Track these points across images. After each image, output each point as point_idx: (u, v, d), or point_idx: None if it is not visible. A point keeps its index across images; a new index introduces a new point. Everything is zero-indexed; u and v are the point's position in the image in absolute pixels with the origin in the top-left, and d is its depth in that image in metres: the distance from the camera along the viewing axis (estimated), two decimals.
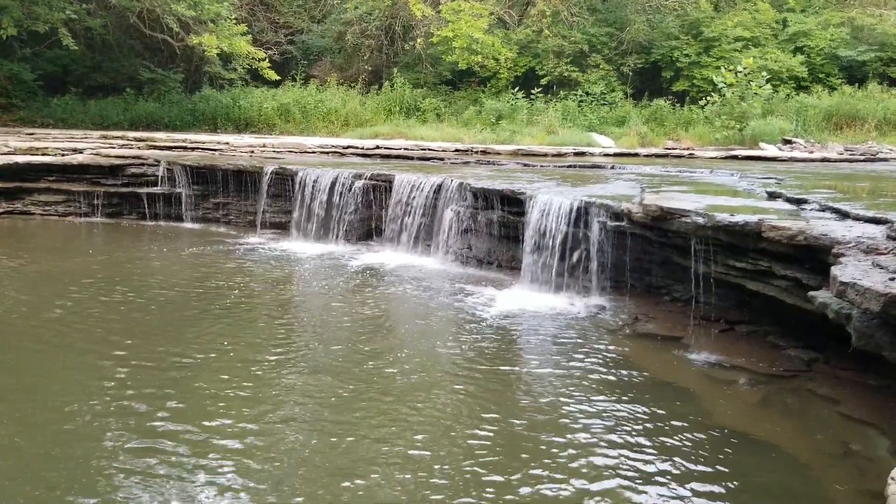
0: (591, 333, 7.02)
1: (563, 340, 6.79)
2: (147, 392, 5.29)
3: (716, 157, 15.69)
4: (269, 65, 22.37)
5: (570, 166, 13.28)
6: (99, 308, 7.48)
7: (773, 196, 8.01)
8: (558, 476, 4.23)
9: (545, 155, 15.54)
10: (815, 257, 5.56)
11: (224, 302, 7.86)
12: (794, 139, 17.74)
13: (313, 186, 11.42)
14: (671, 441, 4.71)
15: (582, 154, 15.81)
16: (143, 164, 13.14)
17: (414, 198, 10.45)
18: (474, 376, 5.82)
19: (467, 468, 4.29)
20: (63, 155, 13.23)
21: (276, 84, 22.86)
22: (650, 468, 4.35)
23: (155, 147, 15.02)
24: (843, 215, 6.33)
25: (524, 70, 23.83)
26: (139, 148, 14.70)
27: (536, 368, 6.07)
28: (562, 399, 5.38)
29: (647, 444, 4.67)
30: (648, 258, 8.05)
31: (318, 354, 6.28)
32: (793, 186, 8.83)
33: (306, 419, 4.97)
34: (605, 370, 6.00)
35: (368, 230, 11.46)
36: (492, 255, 9.80)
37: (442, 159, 14.45)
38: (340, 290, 8.61)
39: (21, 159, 12.86)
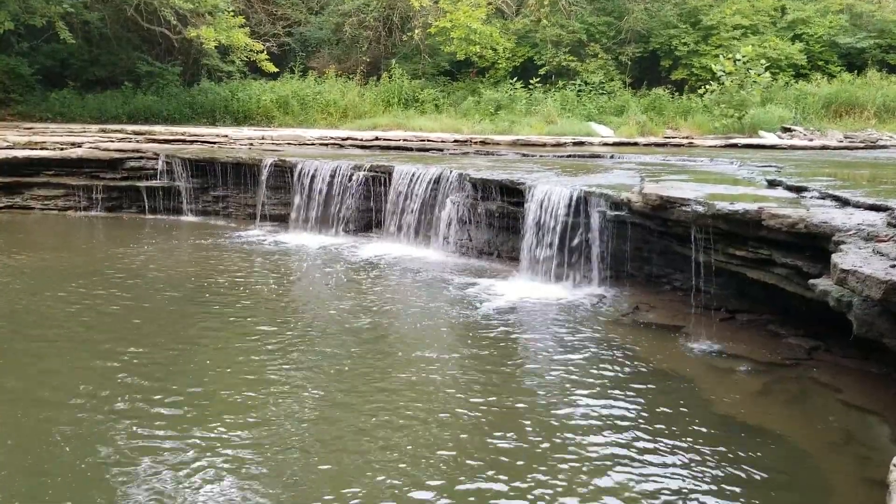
0: (591, 323, 7.02)
1: (563, 330, 6.79)
2: (145, 386, 5.28)
3: (715, 146, 15.68)
4: (267, 57, 22.31)
5: (569, 156, 13.27)
6: (99, 302, 7.48)
7: (772, 184, 7.99)
8: (559, 465, 4.24)
9: (544, 145, 15.53)
10: (815, 245, 5.55)
11: (223, 296, 7.86)
12: (793, 127, 17.72)
13: (312, 178, 11.40)
14: (672, 430, 4.72)
15: (581, 144, 15.79)
16: (141, 158, 13.13)
17: (413, 189, 10.43)
18: (474, 368, 5.83)
19: (467, 460, 4.30)
20: (62, 149, 13.22)
21: (274, 76, 22.80)
22: (651, 456, 4.35)
23: (154, 140, 14.99)
24: (844, 203, 6.32)
25: (522, 60, 23.77)
26: (138, 141, 14.67)
27: (537, 358, 6.08)
28: (562, 389, 5.39)
29: (648, 432, 4.68)
30: (648, 247, 8.05)
31: (318, 347, 6.28)
32: (793, 174, 8.82)
33: (306, 414, 4.97)
34: (605, 360, 6.01)
35: (368, 222, 11.45)
36: (492, 246, 9.80)
37: (441, 150, 14.43)
38: (340, 283, 8.61)
39: (20, 154, 12.85)
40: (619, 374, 5.69)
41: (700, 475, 4.16)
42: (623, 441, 4.55)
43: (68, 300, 7.52)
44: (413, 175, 10.51)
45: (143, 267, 9.10)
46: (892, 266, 4.26)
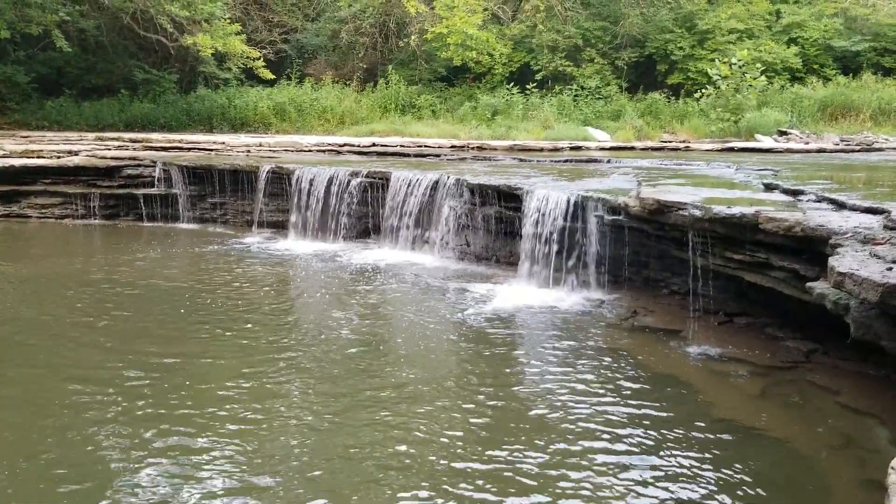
0: (589, 328, 7.02)
1: (561, 335, 6.79)
2: (143, 396, 5.27)
3: (712, 150, 15.73)
4: (263, 64, 22.34)
5: (566, 161, 13.29)
6: (96, 311, 7.47)
7: (769, 187, 8.01)
8: (557, 469, 4.24)
9: (541, 150, 15.56)
10: (812, 248, 5.56)
11: (221, 303, 7.85)
12: (789, 130, 17.78)
13: (310, 185, 11.41)
14: (671, 434, 4.72)
15: (578, 148, 15.84)
16: (139, 166, 13.13)
17: (411, 195, 10.44)
18: (472, 373, 5.83)
19: (466, 464, 4.30)
20: (59, 157, 13.21)
21: (271, 83, 22.83)
22: (650, 461, 4.35)
23: (151, 148, 15.01)
24: (840, 206, 6.33)
25: (519, 65, 23.84)
26: (135, 149, 14.68)
27: (535, 363, 6.07)
28: (561, 394, 5.38)
29: (647, 436, 4.68)
30: (646, 251, 8.06)
31: (316, 355, 6.27)
32: (789, 178, 8.84)
33: (304, 421, 4.96)
34: (604, 364, 6.01)
35: (366, 228, 11.46)
36: (489, 251, 9.81)
37: (438, 156, 14.46)
38: (338, 289, 8.61)
39: (17, 162, 12.84)
40: (618, 379, 5.69)
41: (699, 478, 4.16)
42: (621, 446, 4.55)
43: (63, 309, 7.50)
44: (410, 181, 10.52)
45: (140, 275, 9.09)
46: (889, 269, 4.27)
